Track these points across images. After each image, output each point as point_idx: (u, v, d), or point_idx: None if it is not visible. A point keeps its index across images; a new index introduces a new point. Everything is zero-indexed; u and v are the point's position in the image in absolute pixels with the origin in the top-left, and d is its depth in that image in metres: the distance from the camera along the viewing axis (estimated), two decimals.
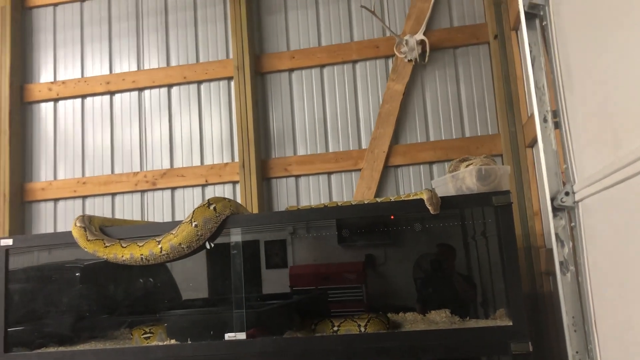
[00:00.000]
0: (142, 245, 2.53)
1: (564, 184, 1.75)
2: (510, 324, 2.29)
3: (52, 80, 4.36)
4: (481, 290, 3.00)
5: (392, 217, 2.79)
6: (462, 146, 3.68)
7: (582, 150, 1.60)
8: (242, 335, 2.48)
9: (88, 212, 4.12)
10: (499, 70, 3.62)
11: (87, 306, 3.10)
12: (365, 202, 2.73)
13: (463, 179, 2.52)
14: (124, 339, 2.90)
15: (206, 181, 3.98)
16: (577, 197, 1.63)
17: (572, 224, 1.68)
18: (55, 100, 4.32)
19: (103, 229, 2.69)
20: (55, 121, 4.32)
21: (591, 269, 1.59)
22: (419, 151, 3.75)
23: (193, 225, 2.48)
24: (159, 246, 2.50)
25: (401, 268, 3.16)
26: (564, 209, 1.72)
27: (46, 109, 4.34)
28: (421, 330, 2.54)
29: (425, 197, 2.36)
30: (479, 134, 3.71)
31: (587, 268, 1.62)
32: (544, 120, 1.75)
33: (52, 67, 4.39)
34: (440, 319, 2.85)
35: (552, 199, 1.72)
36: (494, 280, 2.83)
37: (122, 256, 2.54)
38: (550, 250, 3.05)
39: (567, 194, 1.66)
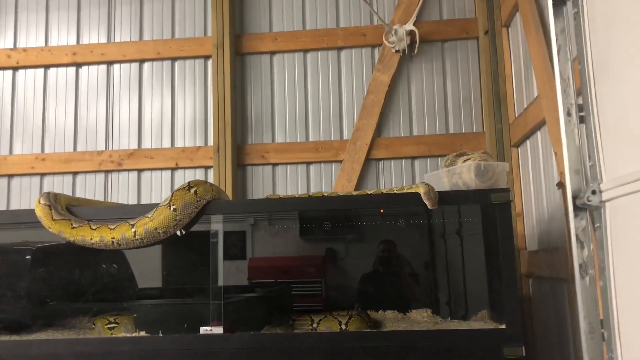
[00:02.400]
0: (114, 228, 2.31)
1: (586, 182, 1.65)
2: (504, 326, 2.21)
3: (12, 47, 4.03)
4: (464, 290, 2.93)
5: (381, 210, 2.66)
6: (445, 142, 3.60)
7: (613, 146, 1.51)
8: (218, 330, 2.31)
9: (46, 190, 3.83)
10: (487, 67, 3.55)
11: (43, 292, 2.85)
12: (354, 194, 2.60)
13: (460, 174, 2.42)
14: (84, 328, 2.68)
15: (176, 164, 3.77)
16: (605, 196, 1.55)
17: (597, 224, 1.59)
18: (15, 68, 4.00)
19: (70, 208, 2.46)
20: (13, 91, 4.00)
21: (616, 273, 1.51)
22: (402, 145, 3.65)
23: (171, 209, 2.29)
24: (133, 230, 2.29)
25: (382, 266, 3.06)
26: (585, 209, 1.63)
27: (3, 77, 4.02)
28: (408, 330, 2.45)
29: (422, 190, 2.24)
30: (463, 131, 3.64)
31: (611, 272, 1.54)
32: (568, 114, 1.66)
33: (12, 33, 4.06)
34: (422, 318, 2.78)
35: (575, 198, 1.63)
36: (479, 280, 2.76)
37: (91, 239, 2.31)
38: (533, 252, 3.04)
39: (593, 192, 1.57)
